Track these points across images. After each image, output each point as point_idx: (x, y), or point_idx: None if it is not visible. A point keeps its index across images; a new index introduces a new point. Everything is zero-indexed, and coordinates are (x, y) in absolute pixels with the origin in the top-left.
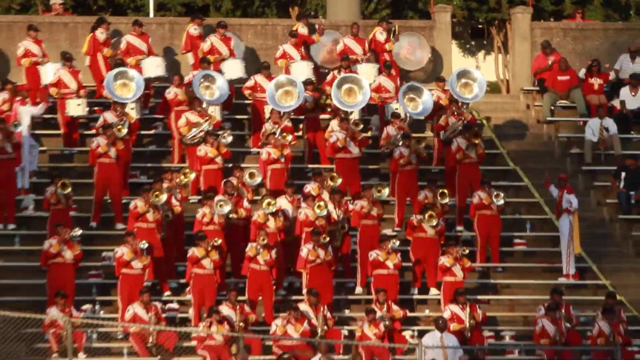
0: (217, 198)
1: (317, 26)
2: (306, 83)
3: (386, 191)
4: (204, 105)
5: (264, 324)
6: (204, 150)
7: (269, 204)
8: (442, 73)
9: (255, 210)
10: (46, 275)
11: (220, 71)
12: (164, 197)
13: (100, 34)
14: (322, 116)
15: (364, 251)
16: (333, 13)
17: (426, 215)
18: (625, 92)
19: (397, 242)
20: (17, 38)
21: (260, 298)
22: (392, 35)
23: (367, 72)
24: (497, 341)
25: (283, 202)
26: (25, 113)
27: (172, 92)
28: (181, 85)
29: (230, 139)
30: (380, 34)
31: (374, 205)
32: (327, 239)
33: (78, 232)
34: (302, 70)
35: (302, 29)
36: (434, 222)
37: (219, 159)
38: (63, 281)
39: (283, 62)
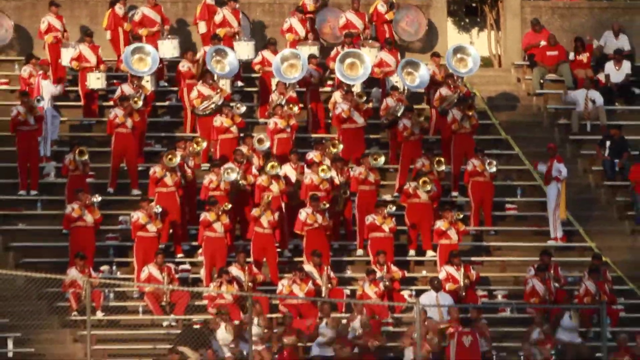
0: (225, 165)
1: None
2: (310, 57)
3: (382, 159)
4: (215, 78)
5: (270, 284)
6: (219, 120)
7: (272, 166)
8: (437, 49)
9: (261, 174)
10: (68, 238)
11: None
12: (177, 160)
13: (119, 9)
14: (325, 89)
15: (362, 215)
16: None
17: (420, 182)
18: (609, 66)
19: (394, 208)
20: (40, 16)
21: (265, 260)
22: (391, 8)
23: (369, 50)
24: (489, 300)
25: (287, 169)
26: (46, 87)
27: (185, 66)
28: (194, 61)
29: (243, 109)
30: (381, 6)
31: (371, 172)
32: (327, 205)
33: (98, 198)
34: (308, 47)
35: (310, 3)
36: (428, 187)
37: (234, 129)
38: (84, 243)
39: (290, 37)
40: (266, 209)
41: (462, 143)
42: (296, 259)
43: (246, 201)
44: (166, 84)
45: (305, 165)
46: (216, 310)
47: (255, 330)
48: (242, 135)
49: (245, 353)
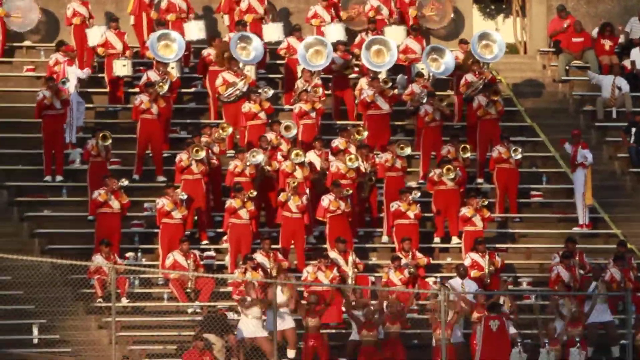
0: (250, 150)
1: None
2: (337, 43)
3: (408, 149)
4: (240, 65)
5: (295, 270)
6: (248, 106)
7: (297, 154)
8: (463, 35)
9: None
10: (94, 225)
11: (257, 33)
12: (202, 153)
13: None
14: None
15: (390, 201)
16: None
17: (444, 169)
18: (635, 52)
19: (418, 194)
20: (66, 1)
21: (292, 246)
22: None
23: (394, 34)
24: (514, 287)
25: (312, 156)
26: (72, 73)
27: (210, 52)
28: (219, 46)
29: (271, 92)
30: None
31: (398, 159)
32: (350, 191)
33: (125, 182)
34: (334, 32)
35: None
36: (452, 175)
37: (262, 114)
38: (110, 229)
39: (316, 22)
40: (293, 194)
41: (488, 129)
42: (321, 246)
43: (271, 188)
44: (188, 70)
45: (329, 152)
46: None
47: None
48: (269, 121)
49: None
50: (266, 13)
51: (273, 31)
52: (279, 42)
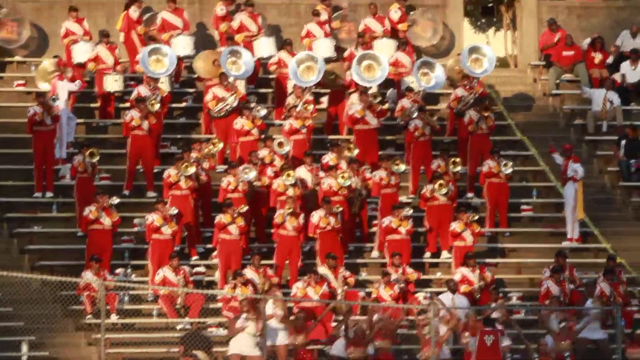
0: (242, 166)
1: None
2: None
3: (403, 166)
4: (231, 79)
5: (286, 286)
6: (240, 122)
7: (288, 175)
8: (454, 49)
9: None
10: (84, 241)
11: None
12: (192, 169)
13: (134, 12)
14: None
15: (382, 218)
16: None
17: (436, 184)
18: (626, 66)
19: (411, 211)
20: (58, 17)
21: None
22: (408, 10)
23: (385, 48)
24: (505, 302)
25: (302, 171)
26: (63, 88)
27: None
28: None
29: (264, 112)
30: (394, 12)
31: (392, 175)
32: (340, 208)
33: (115, 200)
34: (323, 48)
35: (323, 12)
36: (445, 190)
37: (254, 131)
38: (101, 246)
39: (307, 41)
40: (290, 215)
41: (479, 144)
42: (311, 262)
43: (261, 203)
44: (178, 85)
45: (320, 167)
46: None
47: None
48: (262, 137)
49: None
50: (260, 30)
51: (265, 46)
52: (270, 57)
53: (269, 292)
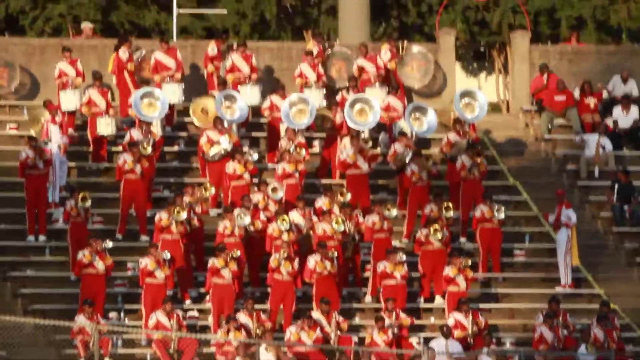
0: (236, 211)
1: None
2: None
3: (394, 211)
4: (225, 124)
5: (280, 331)
6: (232, 167)
7: (282, 220)
8: (445, 93)
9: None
10: (77, 285)
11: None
12: (184, 214)
13: (123, 53)
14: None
15: (376, 262)
16: (344, 36)
17: (431, 230)
18: (617, 111)
19: (404, 257)
20: (50, 60)
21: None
22: (398, 51)
23: (376, 92)
24: (498, 347)
25: (295, 215)
26: (55, 132)
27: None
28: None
29: (256, 156)
30: (384, 53)
31: (384, 220)
32: (335, 253)
33: (109, 244)
34: (314, 97)
35: (314, 48)
36: (439, 236)
37: (246, 175)
38: (95, 290)
39: (299, 81)
40: (285, 259)
41: (471, 189)
42: (304, 306)
43: (254, 247)
44: (170, 129)
45: (312, 212)
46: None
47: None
48: (254, 181)
49: None
50: (253, 71)
51: (251, 94)
52: (254, 107)
53: (263, 337)
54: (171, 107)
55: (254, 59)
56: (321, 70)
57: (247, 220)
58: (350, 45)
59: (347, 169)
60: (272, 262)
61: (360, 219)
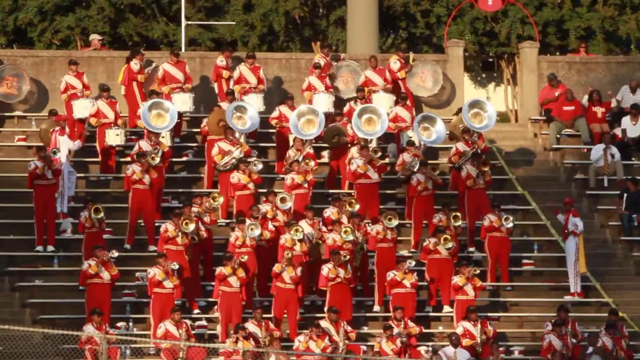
0: (247, 222)
1: (334, 62)
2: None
3: (395, 221)
4: (237, 134)
5: (287, 340)
6: (236, 177)
7: (296, 230)
8: (454, 104)
9: (282, 234)
10: (84, 295)
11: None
12: (192, 226)
13: (135, 65)
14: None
15: (381, 272)
16: (353, 47)
17: (441, 239)
18: (626, 121)
19: (413, 263)
20: (58, 71)
21: (285, 315)
22: (408, 62)
23: (383, 102)
24: (507, 356)
25: (304, 225)
26: (64, 143)
27: (205, 122)
28: (214, 116)
29: (260, 166)
30: (394, 63)
31: (388, 230)
32: (347, 257)
33: (115, 254)
34: (322, 103)
35: (321, 60)
36: (449, 245)
37: (251, 185)
38: (100, 300)
39: (308, 94)
40: (288, 265)
41: (475, 198)
42: (311, 315)
43: (263, 256)
44: (179, 140)
45: (321, 222)
46: None
47: None
48: (259, 191)
49: None
50: (260, 82)
51: (255, 103)
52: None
53: (271, 346)
54: (180, 116)
55: (262, 70)
56: (329, 82)
57: (257, 232)
58: (358, 57)
59: (358, 179)
60: (276, 268)
61: (369, 229)
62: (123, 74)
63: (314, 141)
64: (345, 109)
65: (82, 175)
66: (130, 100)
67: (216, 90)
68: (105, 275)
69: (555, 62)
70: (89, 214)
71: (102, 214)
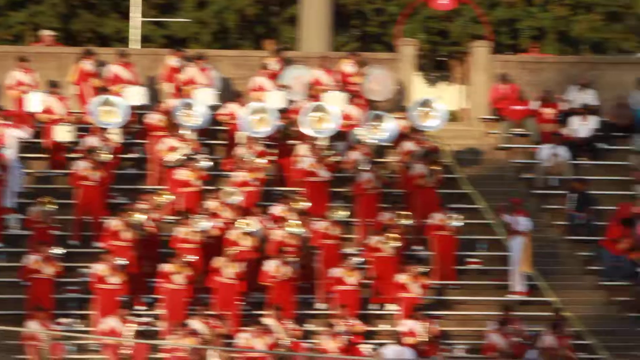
0: (194, 217)
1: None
2: (280, 111)
3: (342, 213)
4: (185, 130)
5: (230, 336)
6: (182, 173)
7: (245, 224)
8: (405, 103)
9: (229, 229)
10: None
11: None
12: (139, 217)
13: (87, 65)
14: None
15: (326, 269)
16: (305, 45)
17: (386, 237)
18: (575, 120)
19: (357, 260)
20: (9, 67)
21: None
22: (363, 65)
23: (335, 100)
24: (450, 355)
25: (252, 222)
26: (11, 136)
27: (153, 118)
28: (163, 113)
29: (209, 163)
30: (347, 67)
31: (333, 226)
32: (293, 257)
33: (60, 250)
34: (276, 99)
35: (275, 66)
36: (395, 243)
37: (197, 182)
38: (42, 295)
39: (257, 95)
40: (231, 261)
41: (424, 197)
42: (257, 312)
43: (209, 253)
44: (128, 136)
45: (268, 219)
46: None
47: None
48: (207, 188)
49: None
50: (209, 82)
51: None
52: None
53: (214, 343)
54: (133, 110)
55: (211, 71)
56: (278, 82)
57: (203, 226)
58: (310, 55)
59: (307, 176)
60: (217, 263)
61: (314, 226)
62: (75, 73)
63: (265, 139)
64: (295, 105)
65: (29, 171)
66: (82, 98)
67: (169, 91)
68: (48, 271)
69: (507, 62)
70: (40, 209)
71: (53, 208)
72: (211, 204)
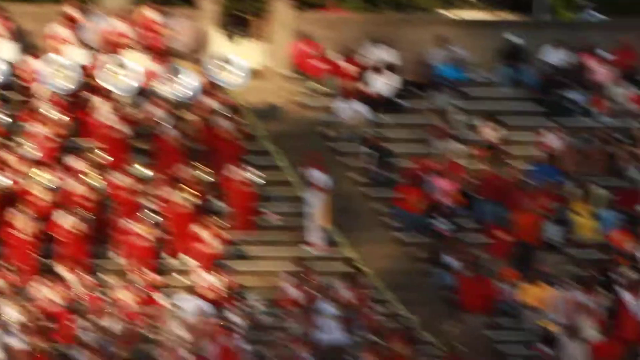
0: None
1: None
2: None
3: (140, 167)
4: None
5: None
6: None
7: (40, 176)
8: (206, 58)
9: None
10: None
11: None
12: None
13: None
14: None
15: (121, 221)
16: (108, 3)
17: (182, 191)
18: (374, 77)
19: (153, 214)
20: None
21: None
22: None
23: (136, 55)
24: (246, 307)
25: (49, 176)
26: None
27: None
28: None
29: (5, 117)
30: (150, 13)
31: (130, 178)
32: (86, 212)
33: None
34: (76, 54)
35: (73, 12)
36: (188, 195)
37: None
38: None
39: (56, 43)
40: (24, 214)
41: (228, 151)
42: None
43: (4, 205)
44: None
45: (66, 172)
46: None
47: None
48: (5, 142)
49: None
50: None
51: (7, 50)
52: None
53: (6, 294)
54: None
55: (11, 22)
56: (79, 33)
57: (6, 181)
58: (111, 10)
59: (106, 130)
60: (10, 216)
61: (112, 178)
62: None
63: (65, 94)
64: (94, 61)
65: None
66: None
67: None
68: None
69: (309, 19)
70: None
71: None
72: (9, 157)
